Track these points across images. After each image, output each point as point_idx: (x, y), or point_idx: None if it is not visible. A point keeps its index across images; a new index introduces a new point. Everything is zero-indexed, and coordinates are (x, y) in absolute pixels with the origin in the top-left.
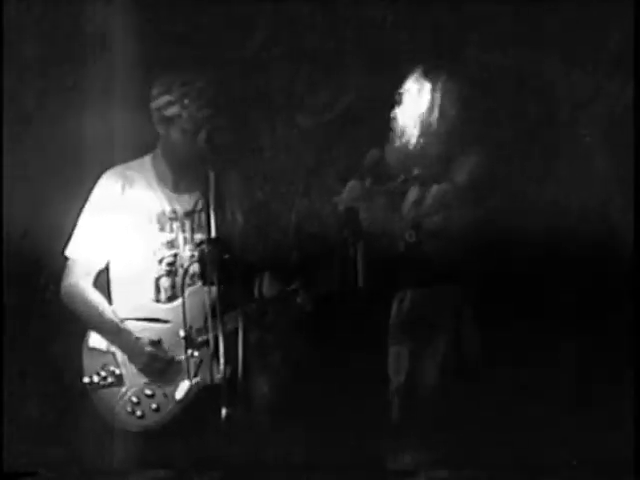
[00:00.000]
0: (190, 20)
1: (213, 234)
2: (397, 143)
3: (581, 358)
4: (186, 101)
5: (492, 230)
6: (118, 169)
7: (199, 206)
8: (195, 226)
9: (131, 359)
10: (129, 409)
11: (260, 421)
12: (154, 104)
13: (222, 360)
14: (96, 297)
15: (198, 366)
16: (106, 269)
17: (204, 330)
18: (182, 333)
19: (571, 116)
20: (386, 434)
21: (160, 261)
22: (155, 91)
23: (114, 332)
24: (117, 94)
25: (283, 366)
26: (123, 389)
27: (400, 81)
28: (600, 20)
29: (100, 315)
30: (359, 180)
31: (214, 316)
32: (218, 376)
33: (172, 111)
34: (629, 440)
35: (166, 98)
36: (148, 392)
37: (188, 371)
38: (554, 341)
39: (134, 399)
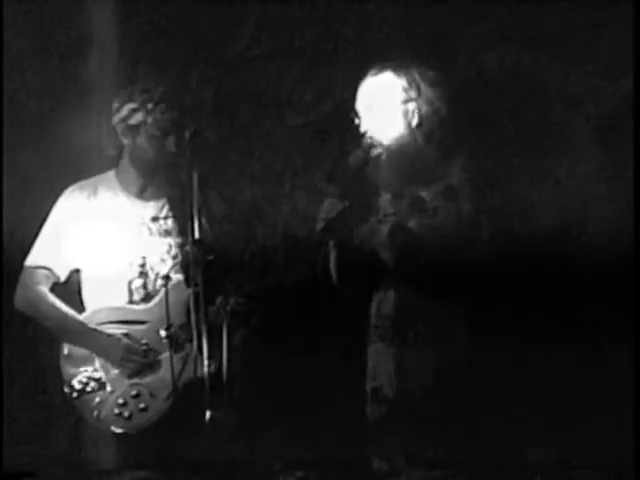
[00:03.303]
0: (177, 18)
1: (196, 235)
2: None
3: (581, 359)
4: (149, 106)
5: (485, 230)
6: (82, 182)
7: (164, 212)
8: (162, 230)
9: (107, 357)
10: (116, 411)
11: (245, 421)
12: (117, 116)
13: (206, 361)
14: (57, 302)
15: (184, 363)
16: (77, 277)
17: (186, 329)
18: (163, 332)
19: (569, 115)
20: (370, 434)
21: (131, 264)
22: (116, 104)
23: (83, 332)
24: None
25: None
26: (106, 393)
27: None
28: (598, 19)
29: (65, 317)
30: (338, 199)
31: (197, 316)
32: (204, 370)
33: (137, 118)
34: (629, 440)
35: (129, 106)
36: (134, 392)
37: (172, 371)
38: (553, 342)
39: (120, 401)
